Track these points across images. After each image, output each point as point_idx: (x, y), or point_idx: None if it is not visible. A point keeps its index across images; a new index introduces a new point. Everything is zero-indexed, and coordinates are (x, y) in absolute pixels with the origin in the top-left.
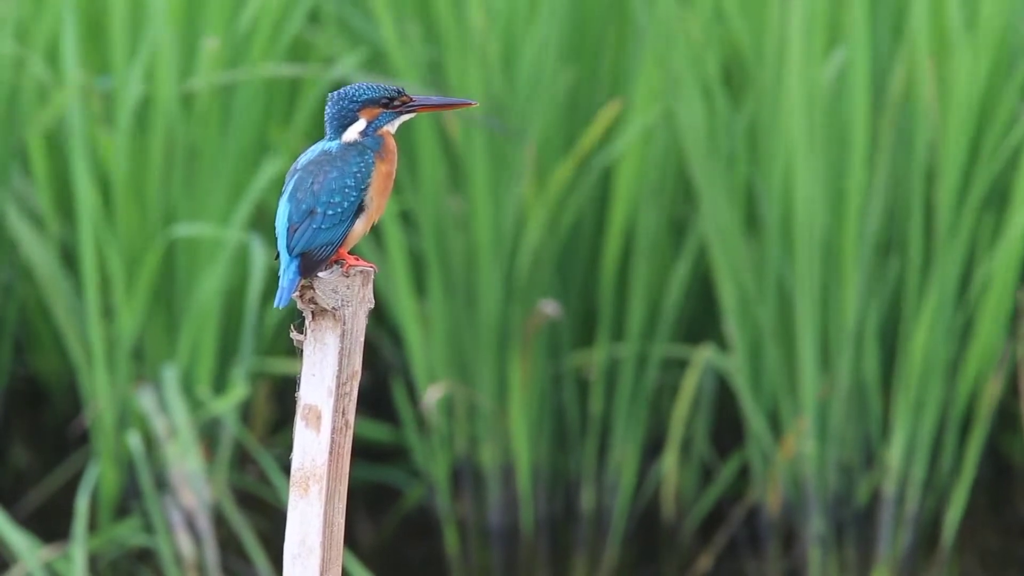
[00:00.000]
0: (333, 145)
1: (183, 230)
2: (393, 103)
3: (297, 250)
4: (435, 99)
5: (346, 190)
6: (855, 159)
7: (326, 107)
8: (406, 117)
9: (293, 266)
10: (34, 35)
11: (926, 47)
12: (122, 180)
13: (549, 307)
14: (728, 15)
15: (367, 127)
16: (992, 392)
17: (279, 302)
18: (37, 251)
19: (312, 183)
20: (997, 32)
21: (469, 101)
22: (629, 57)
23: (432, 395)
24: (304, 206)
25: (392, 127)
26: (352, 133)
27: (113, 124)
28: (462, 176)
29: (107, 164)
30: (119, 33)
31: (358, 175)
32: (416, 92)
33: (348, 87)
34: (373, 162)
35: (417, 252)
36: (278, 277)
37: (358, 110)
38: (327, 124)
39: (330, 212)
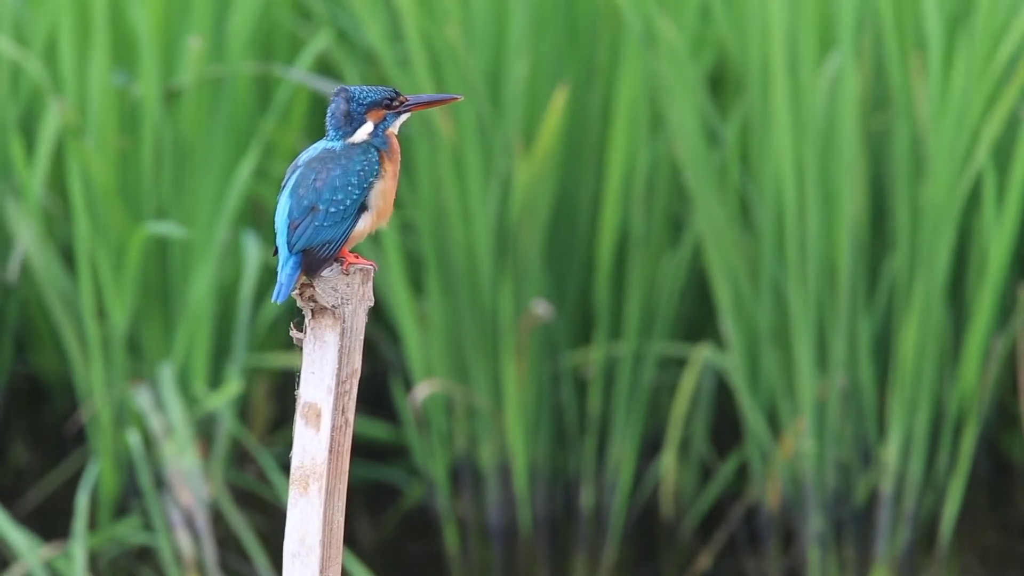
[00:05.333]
0: (337, 144)
1: (160, 228)
2: (393, 104)
3: (298, 247)
4: (426, 97)
5: (348, 187)
6: (845, 160)
7: (329, 107)
8: (404, 117)
9: (292, 262)
10: (32, 34)
11: (896, 45)
12: (103, 182)
13: (541, 307)
14: (715, 16)
15: (375, 129)
16: (984, 388)
17: (277, 297)
18: (35, 249)
19: (315, 180)
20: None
21: (456, 96)
22: (619, 47)
23: (421, 392)
24: (306, 202)
25: (395, 128)
26: (361, 135)
27: (90, 129)
28: (455, 171)
29: (89, 169)
30: (101, 35)
31: (361, 173)
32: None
33: (351, 88)
34: (378, 161)
35: (414, 251)
36: (276, 272)
37: (365, 112)
38: (329, 124)
39: (332, 209)
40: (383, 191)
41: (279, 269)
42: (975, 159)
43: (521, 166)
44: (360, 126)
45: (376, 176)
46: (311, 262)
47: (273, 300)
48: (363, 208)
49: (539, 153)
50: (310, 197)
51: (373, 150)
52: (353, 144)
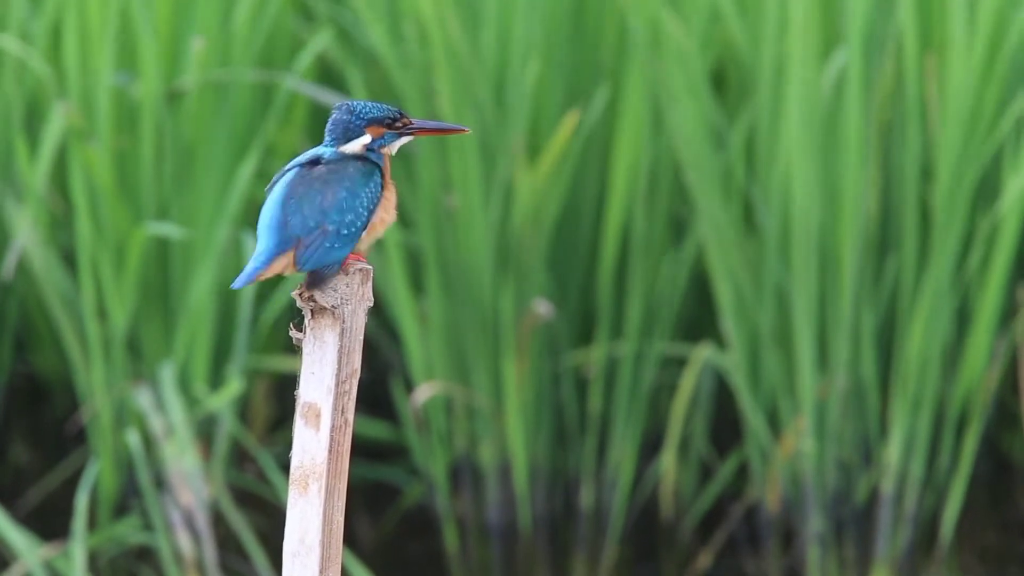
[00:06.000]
0: (329, 152)
1: (160, 228)
2: (395, 124)
3: (309, 267)
4: (432, 124)
5: (359, 210)
6: (850, 158)
7: (331, 116)
8: (405, 139)
9: (264, 256)
10: (34, 32)
11: (915, 42)
12: (105, 182)
13: (542, 307)
14: (724, 15)
15: (372, 142)
16: (987, 388)
17: (237, 284)
18: (36, 249)
19: (320, 200)
20: (993, 27)
21: (463, 128)
22: (626, 50)
23: (423, 394)
24: (312, 222)
25: (393, 149)
26: (355, 146)
27: (95, 131)
28: (457, 172)
29: (91, 170)
30: (98, 35)
31: (370, 195)
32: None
33: (355, 102)
34: (381, 185)
35: (414, 250)
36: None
37: (364, 126)
38: (328, 132)
39: (344, 232)
40: (380, 214)
41: (251, 257)
42: (982, 156)
43: (525, 178)
44: (356, 138)
45: (379, 201)
46: (317, 278)
47: (233, 286)
48: (366, 227)
49: (544, 169)
50: (316, 218)
51: (378, 173)
52: (345, 153)
